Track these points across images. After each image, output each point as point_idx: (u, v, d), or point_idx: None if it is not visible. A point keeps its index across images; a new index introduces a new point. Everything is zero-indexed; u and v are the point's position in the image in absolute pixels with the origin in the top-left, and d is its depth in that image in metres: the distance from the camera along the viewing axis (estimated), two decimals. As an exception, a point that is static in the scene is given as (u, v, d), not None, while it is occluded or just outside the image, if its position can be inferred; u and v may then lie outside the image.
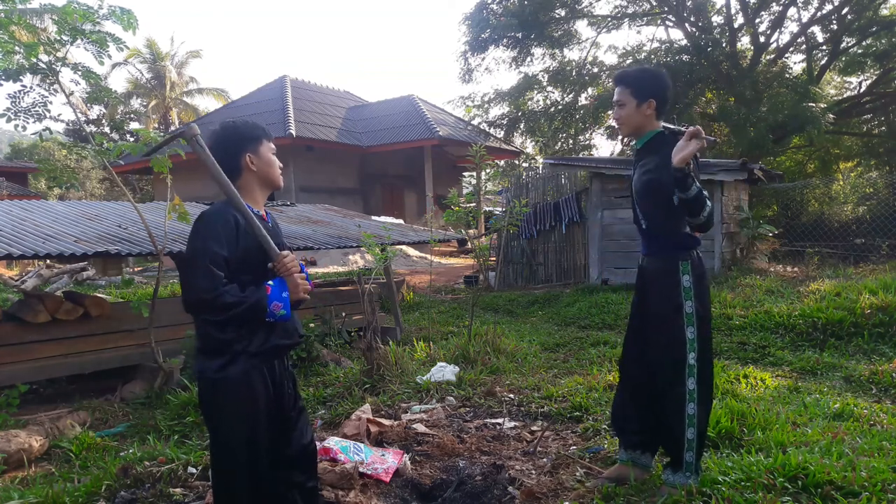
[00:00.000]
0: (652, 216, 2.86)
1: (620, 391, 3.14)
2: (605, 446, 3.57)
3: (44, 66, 4.99)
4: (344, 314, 7.20)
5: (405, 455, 3.53)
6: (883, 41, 14.08)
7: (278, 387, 2.31)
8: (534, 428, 4.05)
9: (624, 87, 2.82)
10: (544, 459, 3.49)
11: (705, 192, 2.59)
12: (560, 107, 16.66)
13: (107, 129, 27.34)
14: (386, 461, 3.38)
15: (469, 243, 11.40)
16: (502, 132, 18.12)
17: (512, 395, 4.73)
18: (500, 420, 4.20)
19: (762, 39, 15.38)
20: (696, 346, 2.74)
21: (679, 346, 2.76)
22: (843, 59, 15.36)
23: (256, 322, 2.17)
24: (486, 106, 17.85)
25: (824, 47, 15.62)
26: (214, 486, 2.35)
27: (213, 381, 2.18)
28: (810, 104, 11.96)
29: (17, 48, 4.73)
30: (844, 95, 17.17)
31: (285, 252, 2.28)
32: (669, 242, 2.83)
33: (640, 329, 2.99)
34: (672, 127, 2.75)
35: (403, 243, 8.57)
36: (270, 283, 2.18)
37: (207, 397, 2.23)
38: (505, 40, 16.02)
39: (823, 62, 15.63)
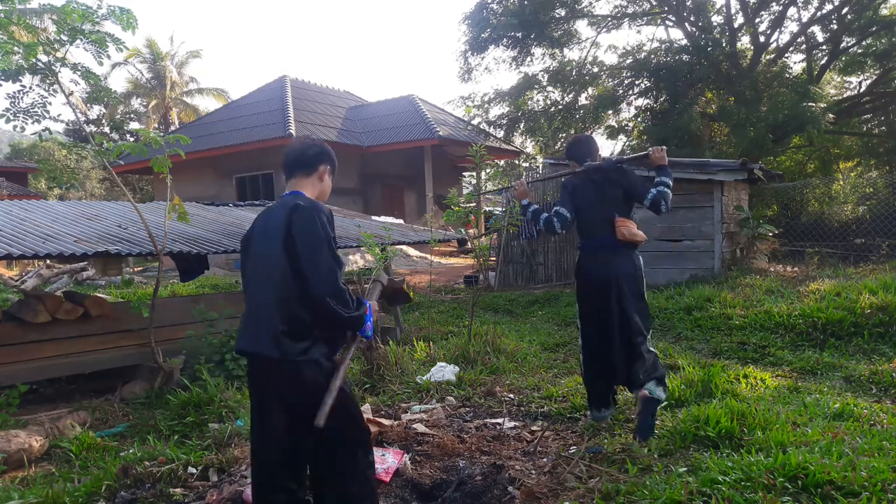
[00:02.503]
0: None
1: None
2: (605, 446, 3.57)
3: (43, 66, 4.99)
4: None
5: (405, 455, 3.54)
6: (883, 41, 14.03)
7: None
8: (534, 428, 4.05)
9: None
10: (544, 459, 3.49)
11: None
12: (560, 107, 16.62)
13: (107, 129, 27.35)
14: (386, 461, 3.38)
15: (469, 243, 11.39)
16: (502, 132, 18.05)
17: (512, 395, 4.73)
18: (500, 420, 4.20)
19: (762, 39, 15.36)
20: (578, 317, 4.04)
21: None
22: (843, 58, 15.30)
23: (342, 330, 2.48)
24: (486, 106, 17.78)
25: (824, 47, 15.58)
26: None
27: (298, 363, 2.38)
28: (810, 104, 11.92)
29: (16, 48, 4.73)
30: (844, 95, 17.12)
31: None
32: None
33: None
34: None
35: (403, 243, 8.57)
36: (367, 303, 2.51)
37: (304, 378, 2.39)
38: (505, 40, 15.98)
39: (823, 62, 15.59)
